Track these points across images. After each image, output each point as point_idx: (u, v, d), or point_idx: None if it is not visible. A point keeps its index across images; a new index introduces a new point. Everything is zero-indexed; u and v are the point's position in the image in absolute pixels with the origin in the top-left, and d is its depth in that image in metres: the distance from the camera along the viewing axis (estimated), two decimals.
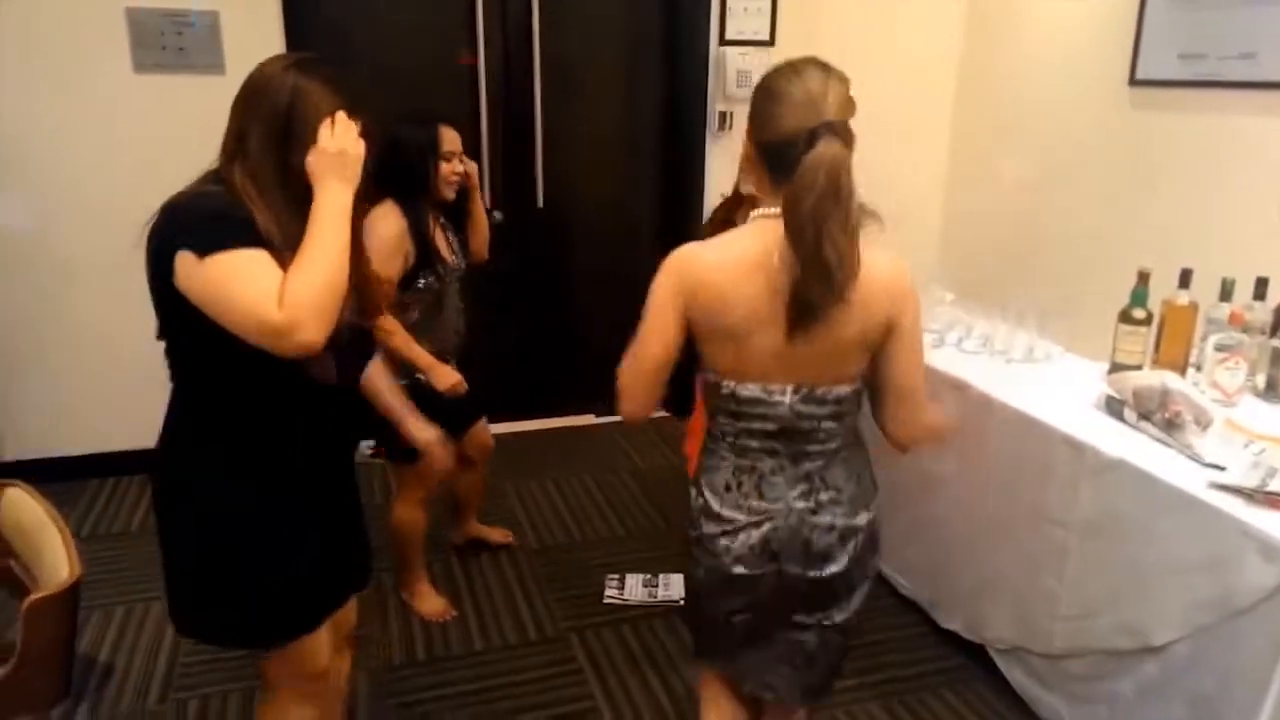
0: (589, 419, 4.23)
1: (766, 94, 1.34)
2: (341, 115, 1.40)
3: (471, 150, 3.60)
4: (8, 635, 2.36)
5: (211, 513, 1.49)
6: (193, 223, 1.34)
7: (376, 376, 1.88)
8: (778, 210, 1.30)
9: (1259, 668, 1.62)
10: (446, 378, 2.49)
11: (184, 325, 1.37)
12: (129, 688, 2.42)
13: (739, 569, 1.48)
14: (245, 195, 1.37)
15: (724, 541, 1.48)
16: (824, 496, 1.46)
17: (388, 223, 2.35)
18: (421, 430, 1.96)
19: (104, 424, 3.49)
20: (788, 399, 1.40)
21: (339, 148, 1.38)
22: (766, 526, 1.46)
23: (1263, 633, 1.63)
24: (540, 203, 3.86)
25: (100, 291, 3.34)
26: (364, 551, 1.76)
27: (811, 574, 1.48)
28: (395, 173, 2.37)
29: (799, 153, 1.25)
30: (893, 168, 4.11)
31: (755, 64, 3.81)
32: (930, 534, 2.61)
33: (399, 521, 2.71)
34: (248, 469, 1.49)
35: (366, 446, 3.83)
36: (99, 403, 3.48)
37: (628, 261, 4.01)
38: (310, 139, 1.38)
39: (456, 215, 2.64)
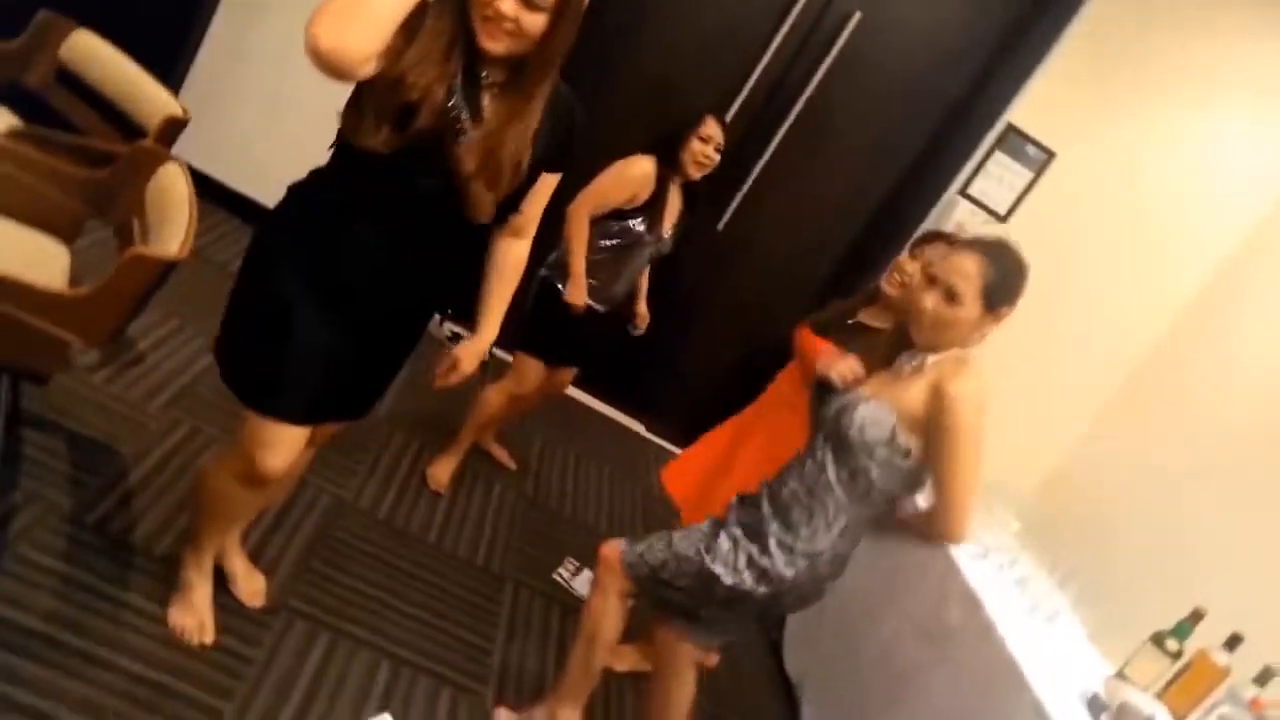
0: (639, 427, 4.29)
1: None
2: None
3: None
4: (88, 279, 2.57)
5: (252, 258, 1.70)
6: None
7: (498, 284, 1.83)
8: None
9: None
10: (577, 293, 2.72)
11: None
12: (147, 380, 2.60)
13: None
14: None
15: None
16: None
17: (637, 163, 2.71)
18: (468, 356, 1.92)
19: (272, 171, 3.70)
20: None
21: None
22: None
23: None
24: (720, 225, 3.94)
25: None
26: (370, 388, 1.87)
27: None
28: (660, 135, 2.75)
29: None
30: (1033, 391, 4.03)
31: (974, 229, 3.81)
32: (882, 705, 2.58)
33: (481, 397, 2.95)
34: (300, 247, 1.64)
35: (448, 329, 3.99)
36: (270, 151, 3.70)
37: (765, 325, 4.06)
38: None
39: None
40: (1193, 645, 2.16)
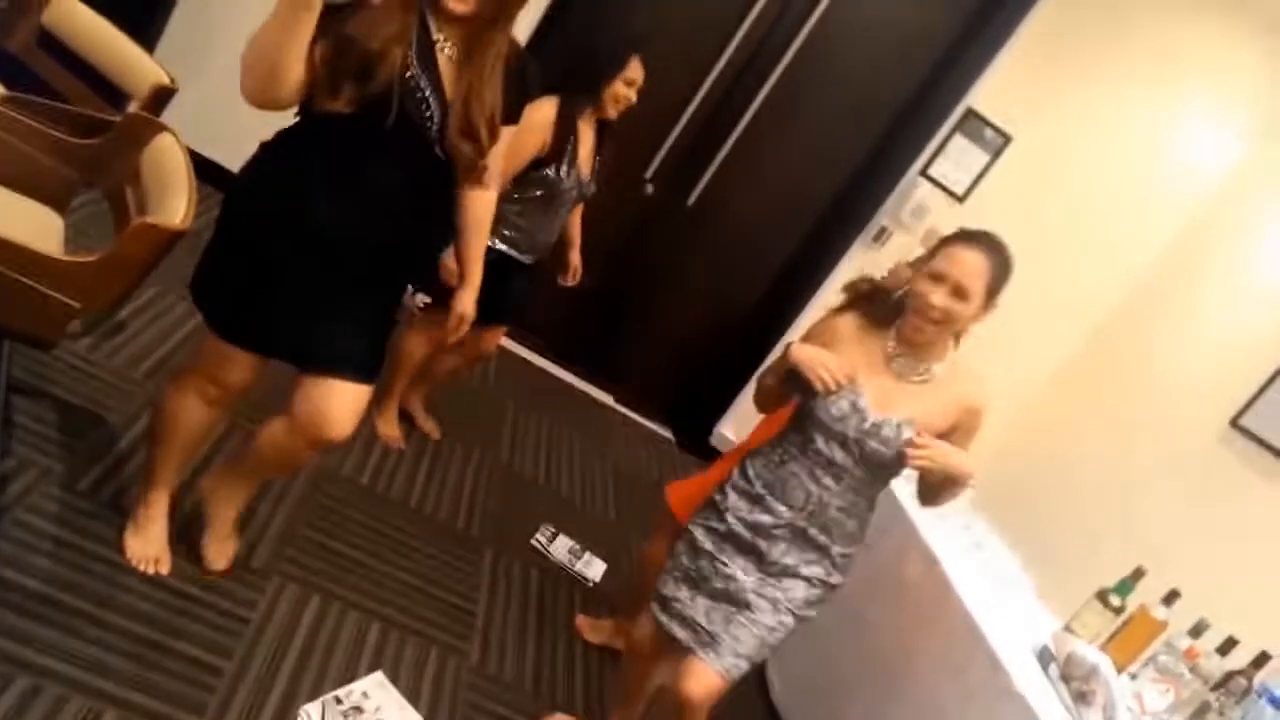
0: (608, 399, 4.38)
1: None
2: None
3: (668, 121, 3.83)
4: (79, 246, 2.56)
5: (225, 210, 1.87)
6: None
7: (475, 235, 2.00)
8: None
9: None
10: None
11: None
12: (129, 348, 2.61)
13: None
14: None
15: None
16: None
17: (538, 110, 2.52)
18: (466, 305, 2.06)
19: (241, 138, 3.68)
20: None
21: None
22: None
23: None
24: (691, 201, 4.02)
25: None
26: (300, 331, 1.85)
27: None
28: (575, 70, 2.65)
29: None
30: (989, 364, 4.18)
31: (934, 208, 3.96)
32: (839, 669, 2.72)
33: (401, 346, 2.88)
34: (267, 200, 1.79)
35: (420, 299, 4.01)
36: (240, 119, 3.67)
37: (732, 300, 4.20)
38: None
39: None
40: (1134, 601, 2.33)
